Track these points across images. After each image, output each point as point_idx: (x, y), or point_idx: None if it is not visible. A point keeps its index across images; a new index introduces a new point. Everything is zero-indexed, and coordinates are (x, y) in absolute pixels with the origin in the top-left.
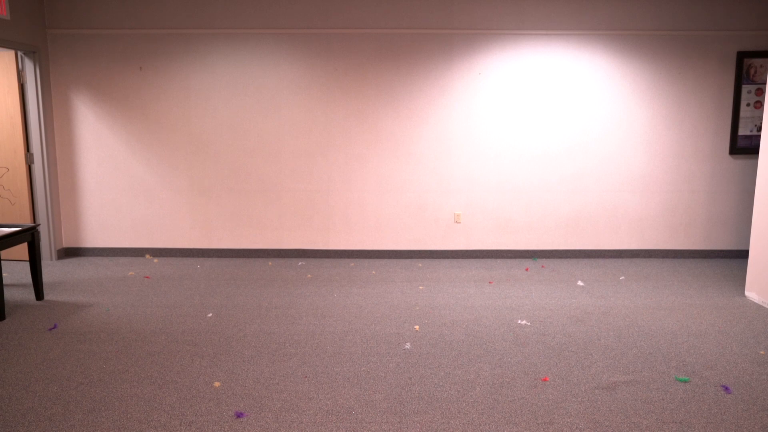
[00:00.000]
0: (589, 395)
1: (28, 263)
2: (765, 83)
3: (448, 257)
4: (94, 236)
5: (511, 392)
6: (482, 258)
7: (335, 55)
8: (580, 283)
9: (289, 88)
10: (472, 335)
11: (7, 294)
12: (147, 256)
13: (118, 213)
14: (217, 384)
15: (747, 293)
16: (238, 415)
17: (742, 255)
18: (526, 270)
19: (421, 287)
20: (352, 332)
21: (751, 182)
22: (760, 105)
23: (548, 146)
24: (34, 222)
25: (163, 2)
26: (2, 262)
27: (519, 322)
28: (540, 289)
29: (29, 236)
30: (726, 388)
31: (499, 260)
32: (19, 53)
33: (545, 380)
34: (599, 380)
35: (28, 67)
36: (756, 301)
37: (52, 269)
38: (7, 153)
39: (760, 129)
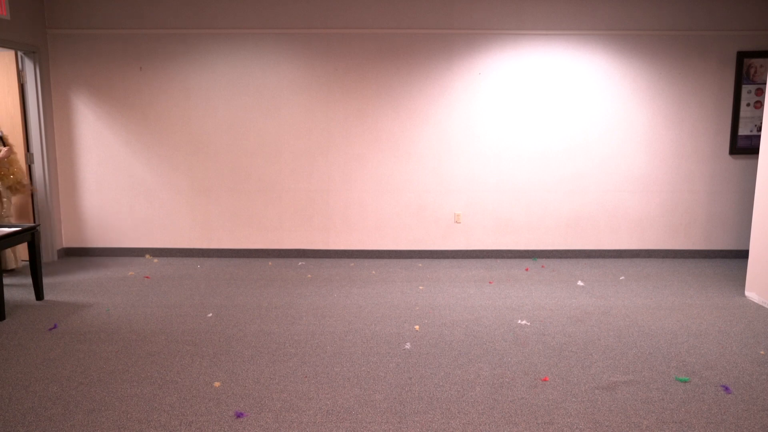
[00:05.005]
0: (589, 395)
1: (28, 263)
2: (765, 83)
3: (448, 257)
4: (94, 236)
5: (511, 392)
6: (482, 258)
7: (335, 55)
8: (580, 283)
9: (289, 88)
10: (472, 335)
11: (7, 294)
12: (147, 256)
13: (118, 213)
14: (217, 384)
15: (747, 293)
16: (238, 415)
17: (742, 255)
18: (526, 270)
19: (421, 287)
20: (352, 332)
21: (751, 182)
22: (760, 105)
23: (548, 146)
24: (34, 222)
25: (163, 2)
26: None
27: (519, 322)
28: (540, 289)
29: (29, 236)
30: (726, 388)
31: (499, 260)
32: (19, 53)
33: (545, 380)
34: (599, 380)
35: (28, 67)
36: (756, 301)
37: (52, 269)
38: None
39: (760, 129)
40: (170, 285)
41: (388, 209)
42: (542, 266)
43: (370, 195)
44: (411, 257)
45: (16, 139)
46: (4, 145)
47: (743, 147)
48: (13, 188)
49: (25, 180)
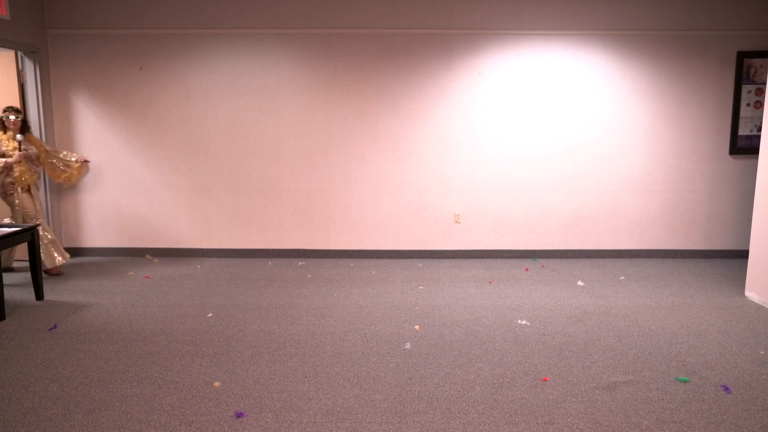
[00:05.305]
0: (589, 395)
1: (28, 263)
2: (765, 83)
3: (448, 257)
4: (94, 236)
5: (511, 392)
6: (482, 258)
7: (335, 55)
8: (580, 283)
9: (289, 88)
10: (472, 335)
11: (7, 294)
12: (147, 256)
13: (118, 213)
14: (217, 384)
15: (747, 293)
16: (238, 415)
17: (742, 255)
18: (526, 270)
19: (421, 287)
20: (352, 332)
21: (751, 182)
22: (760, 105)
23: (548, 146)
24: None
25: (163, 2)
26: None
27: (519, 322)
28: (540, 289)
29: (29, 236)
30: (726, 388)
31: (499, 260)
32: (19, 53)
33: (545, 380)
34: (599, 380)
35: (28, 67)
36: (756, 301)
37: None
38: None
39: (760, 129)
40: (170, 285)
41: (388, 209)
42: (542, 266)
43: (370, 195)
44: (411, 257)
45: None
46: (20, 150)
47: (743, 147)
48: (60, 176)
49: (64, 157)
